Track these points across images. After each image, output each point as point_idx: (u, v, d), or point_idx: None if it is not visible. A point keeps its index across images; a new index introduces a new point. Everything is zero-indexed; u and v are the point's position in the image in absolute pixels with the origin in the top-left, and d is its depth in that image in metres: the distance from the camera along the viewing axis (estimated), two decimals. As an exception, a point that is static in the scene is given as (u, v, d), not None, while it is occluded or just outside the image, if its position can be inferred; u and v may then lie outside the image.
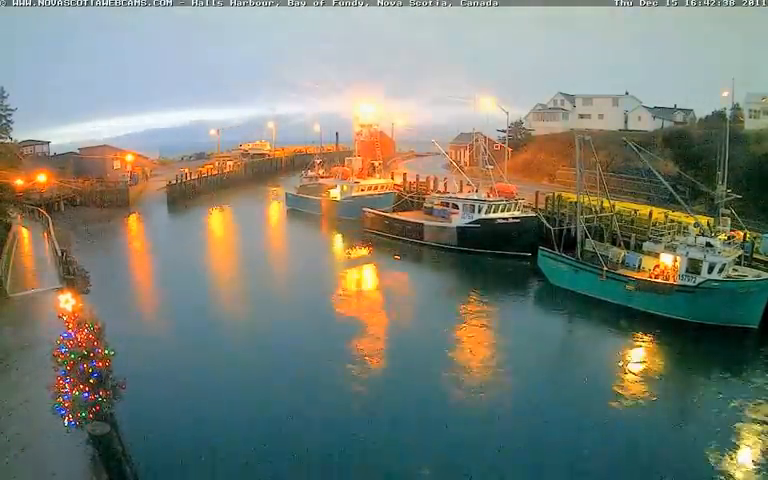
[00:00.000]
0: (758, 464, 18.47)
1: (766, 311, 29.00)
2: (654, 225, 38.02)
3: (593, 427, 20.93)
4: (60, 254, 37.27)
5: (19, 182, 44.47)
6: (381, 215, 54.09)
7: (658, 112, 72.16)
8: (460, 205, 47.87)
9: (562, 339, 31.68)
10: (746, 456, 18.90)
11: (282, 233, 62.51)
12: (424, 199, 55.20)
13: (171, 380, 24.10)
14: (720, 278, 29.41)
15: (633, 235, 38.22)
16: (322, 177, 67.90)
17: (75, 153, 75.45)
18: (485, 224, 45.65)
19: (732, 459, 18.68)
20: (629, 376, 25.33)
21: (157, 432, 19.43)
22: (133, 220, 64.13)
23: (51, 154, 74.81)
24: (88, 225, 58.26)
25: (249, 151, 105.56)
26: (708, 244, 30.02)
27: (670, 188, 36.91)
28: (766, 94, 57.22)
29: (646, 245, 33.94)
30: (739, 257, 31.26)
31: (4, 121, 43.25)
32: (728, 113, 58.67)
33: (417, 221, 50.37)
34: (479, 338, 29.69)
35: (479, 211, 46.16)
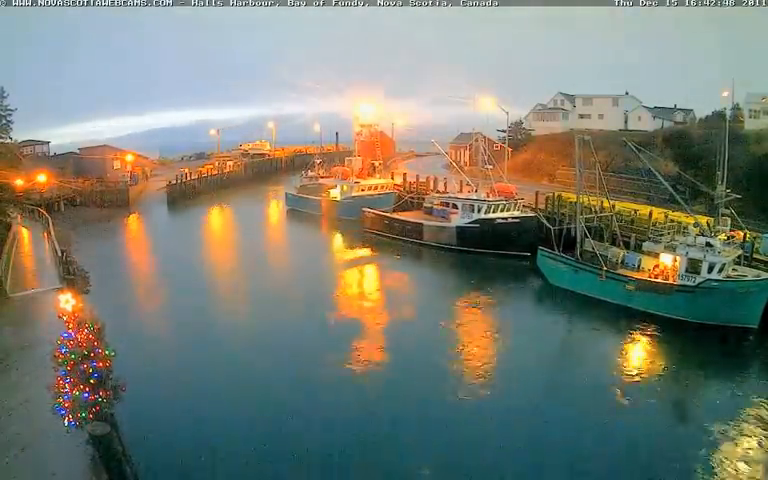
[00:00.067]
0: (758, 464, 18.47)
1: (766, 311, 29.02)
2: (654, 225, 38.01)
3: (593, 427, 20.94)
4: (60, 254, 37.28)
5: (19, 182, 44.45)
6: (381, 215, 54.11)
7: (658, 112, 72.17)
8: (459, 205, 47.89)
9: (562, 339, 31.67)
10: (746, 456, 18.89)
11: (282, 233, 62.51)
12: (424, 199, 55.23)
13: (171, 380, 24.13)
14: (720, 278, 29.42)
15: (633, 235, 38.23)
16: (322, 177, 67.92)
17: (75, 153, 75.47)
18: (484, 224, 45.67)
19: (732, 459, 18.67)
20: (629, 376, 25.33)
21: (157, 432, 19.44)
22: (133, 220, 64.15)
23: (51, 154, 74.80)
24: (88, 225, 58.29)
25: (249, 151, 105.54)
26: (708, 244, 30.03)
27: (670, 188, 36.93)
28: (766, 94, 57.22)
29: (646, 245, 33.95)
30: (739, 257, 31.27)
31: (4, 121, 43.23)
32: (728, 113, 58.61)
33: (417, 221, 50.38)
34: (478, 338, 29.70)
35: (478, 211, 46.19)
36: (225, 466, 18.09)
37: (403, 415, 21.51)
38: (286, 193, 70.06)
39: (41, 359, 19.24)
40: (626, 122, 72.67)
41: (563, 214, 43.26)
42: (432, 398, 22.78)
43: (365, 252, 48.75)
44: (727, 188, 32.14)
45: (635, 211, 42.56)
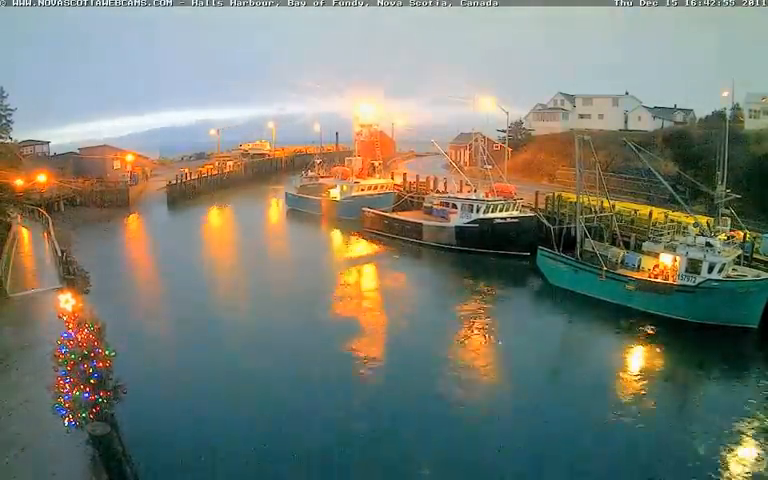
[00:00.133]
0: (758, 464, 18.48)
1: (766, 311, 29.02)
2: (654, 225, 38.01)
3: (593, 427, 20.94)
4: (60, 254, 37.27)
5: (19, 182, 44.42)
6: (381, 215, 54.12)
7: (658, 112, 72.18)
8: (459, 205, 47.90)
9: (561, 339, 31.67)
10: (746, 456, 18.90)
11: (282, 233, 62.50)
12: (423, 199, 55.24)
13: (171, 380, 24.14)
14: (720, 278, 29.42)
15: (633, 235, 38.25)
16: (322, 177, 67.93)
17: (75, 153, 75.43)
18: (484, 224, 45.68)
19: (732, 459, 18.69)
20: (629, 376, 25.35)
21: (157, 432, 19.44)
22: (133, 220, 64.15)
23: (51, 154, 74.76)
24: (88, 225, 58.29)
25: (249, 151, 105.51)
26: (708, 244, 30.04)
27: (670, 188, 36.93)
28: (766, 94, 57.24)
29: (646, 245, 33.95)
30: (739, 257, 31.28)
31: (4, 121, 43.24)
32: (728, 113, 58.65)
33: (416, 221, 50.39)
34: (478, 338, 29.71)
35: (477, 211, 46.20)
36: (225, 466, 18.08)
37: (403, 414, 21.53)
38: (286, 193, 70.05)
39: (41, 359, 19.25)
40: (626, 122, 72.68)
41: (563, 214, 43.26)
42: (432, 397, 22.77)
43: (365, 252, 48.78)
44: (727, 188, 32.13)
45: (635, 211, 42.56)
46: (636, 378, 25.11)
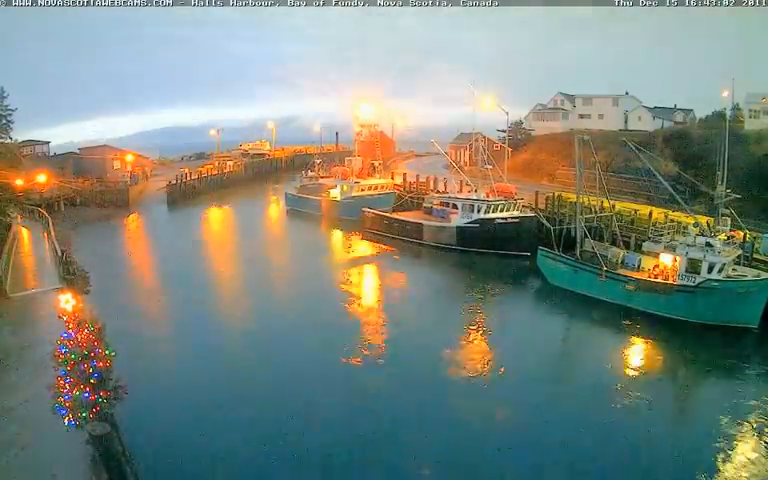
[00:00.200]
0: (758, 464, 18.47)
1: (766, 311, 29.01)
2: (654, 225, 38.00)
3: (593, 427, 20.92)
4: (60, 254, 37.28)
5: (19, 182, 44.43)
6: (381, 215, 54.12)
7: (658, 112, 72.21)
8: (459, 205, 47.91)
9: (561, 339, 31.69)
10: (746, 456, 18.89)
11: (282, 233, 62.48)
12: (424, 199, 55.24)
13: (171, 379, 24.17)
14: (720, 278, 29.42)
15: (633, 235, 38.25)
16: (322, 177, 67.94)
17: (75, 153, 75.49)
18: (484, 224, 45.68)
19: (732, 459, 18.69)
20: (629, 376, 25.35)
21: (157, 432, 19.46)
22: (133, 220, 64.15)
23: (51, 154, 74.80)
24: (88, 225, 58.32)
25: (249, 151, 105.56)
26: (708, 244, 30.03)
27: (670, 188, 36.90)
28: (766, 94, 57.26)
29: (646, 245, 33.95)
30: (739, 257, 31.27)
31: (4, 121, 43.23)
32: (728, 113, 58.66)
33: (416, 221, 50.39)
34: (478, 338, 29.71)
35: (478, 211, 46.20)
36: (225, 465, 18.10)
37: (403, 414, 21.51)
38: (286, 193, 70.05)
39: (41, 359, 19.26)
40: (626, 122, 72.71)
41: (563, 214, 43.26)
42: (431, 397, 22.76)
43: (365, 252, 48.77)
44: (727, 188, 32.11)
45: (635, 211, 42.58)
46: (636, 378, 25.11)
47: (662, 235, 33.76)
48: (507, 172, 52.34)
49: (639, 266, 33.80)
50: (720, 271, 29.47)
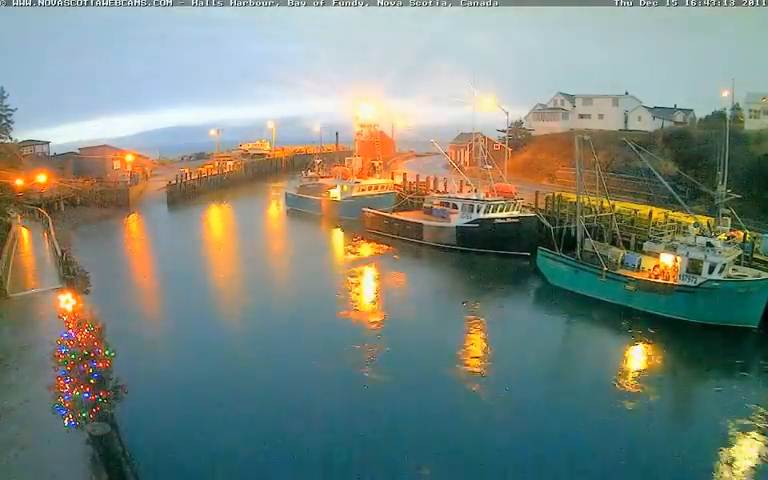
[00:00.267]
0: (758, 464, 18.47)
1: (766, 311, 29.01)
2: (654, 225, 38.01)
3: (593, 427, 20.92)
4: (60, 254, 37.26)
5: (19, 182, 44.44)
6: (381, 215, 54.10)
7: (658, 112, 72.21)
8: (459, 205, 47.90)
9: (562, 339, 31.67)
10: (746, 456, 18.89)
11: (282, 233, 62.48)
12: (424, 199, 55.22)
13: (171, 379, 24.15)
14: (720, 278, 29.41)
15: (633, 235, 38.24)
16: (322, 177, 67.92)
17: (75, 153, 75.37)
18: (484, 224, 45.67)
19: (732, 459, 18.68)
20: (629, 376, 25.33)
21: (157, 432, 19.44)
22: (133, 220, 64.14)
23: (51, 154, 74.70)
24: (88, 225, 58.29)
25: (249, 151, 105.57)
26: (708, 244, 30.02)
27: (670, 188, 36.88)
28: (766, 94, 57.25)
29: (646, 245, 33.94)
30: (739, 257, 31.27)
31: (4, 121, 43.23)
32: (728, 113, 58.68)
33: (416, 221, 50.37)
34: (478, 338, 29.69)
35: (478, 211, 46.19)
36: (225, 465, 18.07)
37: (403, 414, 21.50)
38: (286, 193, 70.04)
39: (41, 359, 19.24)
40: (626, 122, 72.69)
41: (563, 214, 43.20)
42: (431, 397, 22.77)
43: (365, 252, 48.75)
44: (727, 188, 32.11)
45: (635, 211, 42.56)
46: (636, 378, 25.09)
47: (662, 235, 33.76)
48: (507, 172, 52.35)
49: (639, 266, 33.79)
50: (721, 271, 29.46)
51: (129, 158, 78.11)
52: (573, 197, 39.70)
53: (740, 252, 31.42)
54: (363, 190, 61.10)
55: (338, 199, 61.40)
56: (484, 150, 50.58)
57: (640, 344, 28.69)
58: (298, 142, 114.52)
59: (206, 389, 23.16)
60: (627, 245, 37.03)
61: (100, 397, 14.81)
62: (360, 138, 71.91)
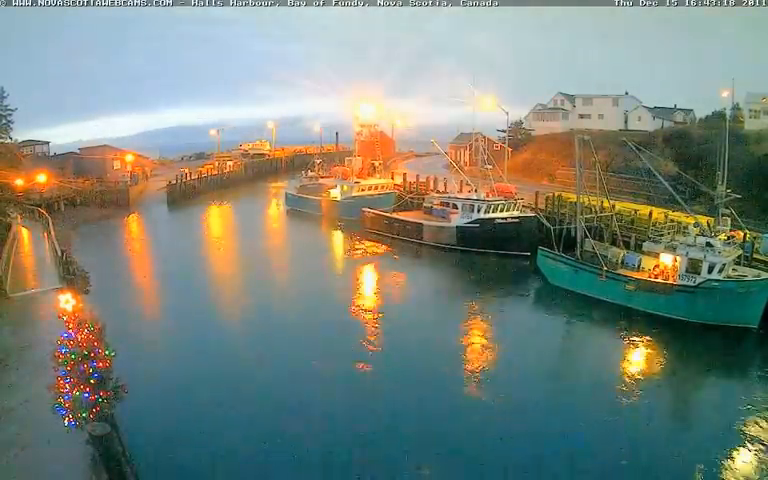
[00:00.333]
0: (758, 464, 18.47)
1: (766, 311, 29.01)
2: (654, 225, 38.00)
3: (593, 426, 20.91)
4: (60, 254, 37.26)
5: (19, 182, 44.45)
6: (381, 215, 54.11)
7: (658, 112, 72.22)
8: (459, 205, 47.91)
9: (561, 339, 31.67)
10: (746, 456, 18.89)
11: (282, 233, 62.49)
12: (424, 199, 55.23)
13: (171, 379, 24.14)
14: (720, 278, 29.41)
15: (633, 235, 38.26)
16: (322, 177, 67.93)
17: (75, 153, 75.38)
18: (484, 224, 45.68)
19: (732, 459, 18.66)
20: (629, 376, 25.32)
21: (157, 432, 19.43)
22: (133, 220, 64.14)
23: (51, 154, 74.75)
24: (88, 225, 58.30)
25: (249, 151, 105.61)
26: (708, 244, 30.02)
27: (670, 188, 36.89)
28: (766, 94, 57.25)
29: (646, 245, 33.94)
30: (739, 257, 31.27)
31: (4, 121, 43.27)
32: (728, 113, 58.70)
33: (416, 221, 50.38)
34: (478, 338, 29.69)
35: (478, 211, 46.19)
36: (225, 465, 18.06)
37: (402, 413, 21.51)
38: (286, 193, 70.05)
39: (41, 359, 19.22)
40: (626, 122, 72.71)
41: (563, 214, 43.19)
42: (432, 397, 22.76)
43: (365, 252, 48.76)
44: (727, 188, 32.11)
45: (635, 211, 42.56)
46: (636, 378, 25.08)
47: (662, 235, 33.76)
48: (507, 172, 52.34)
49: (639, 266, 33.80)
50: (720, 271, 29.46)
51: (129, 158, 78.11)
52: (573, 197, 39.70)
53: (740, 252, 31.42)
54: (363, 190, 61.10)
55: (338, 199, 61.40)
56: (484, 150, 50.58)
57: (640, 344, 28.68)
58: (298, 142, 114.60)
59: (206, 389, 23.16)
60: (627, 245, 37.04)
61: (100, 397, 14.80)
62: (360, 138, 71.91)
